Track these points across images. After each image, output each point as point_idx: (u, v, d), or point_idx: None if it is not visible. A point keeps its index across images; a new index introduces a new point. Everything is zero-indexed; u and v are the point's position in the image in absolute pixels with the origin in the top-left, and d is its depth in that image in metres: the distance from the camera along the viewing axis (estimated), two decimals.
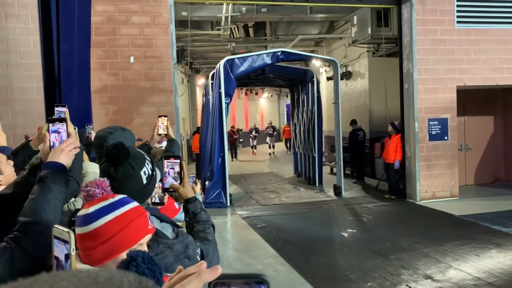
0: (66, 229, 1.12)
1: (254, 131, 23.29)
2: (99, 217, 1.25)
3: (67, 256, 1.10)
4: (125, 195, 1.36)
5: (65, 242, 1.11)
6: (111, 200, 1.29)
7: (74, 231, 1.44)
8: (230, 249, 6.67)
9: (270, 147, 22.81)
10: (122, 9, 7.64)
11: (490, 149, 11.17)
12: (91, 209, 1.26)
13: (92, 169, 2.25)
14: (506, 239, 6.53)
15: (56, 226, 1.17)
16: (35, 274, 0.50)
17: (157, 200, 2.14)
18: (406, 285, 4.97)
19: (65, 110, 2.22)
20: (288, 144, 22.64)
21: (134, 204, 1.34)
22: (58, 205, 1.52)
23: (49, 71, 4.47)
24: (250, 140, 23.45)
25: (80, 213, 1.28)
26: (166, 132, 3.07)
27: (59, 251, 1.12)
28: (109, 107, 7.66)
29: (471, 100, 10.57)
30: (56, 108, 2.24)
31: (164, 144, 3.26)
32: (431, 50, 9.24)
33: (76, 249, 1.14)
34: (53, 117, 2.10)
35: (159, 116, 3.10)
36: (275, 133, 23.56)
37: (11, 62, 7.02)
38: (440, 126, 9.41)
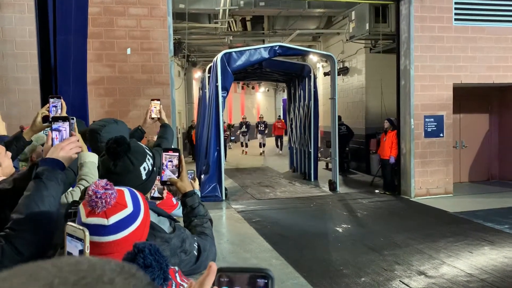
0: (80, 227, 1.11)
1: (244, 126, 19.77)
2: (120, 230, 1.24)
3: (81, 252, 1.09)
4: (132, 191, 1.35)
5: (79, 240, 1.10)
6: (128, 211, 1.28)
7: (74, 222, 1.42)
8: (225, 242, 6.68)
9: (260, 146, 19.53)
10: (119, 0, 7.58)
11: (485, 147, 11.23)
12: (111, 220, 1.23)
13: (90, 159, 2.24)
14: (499, 236, 6.58)
15: (69, 223, 1.15)
16: None
17: (157, 194, 2.12)
18: (400, 280, 5.00)
19: (60, 101, 2.19)
20: (278, 142, 19.74)
21: (143, 207, 1.34)
22: (53, 203, 1.49)
23: (45, 61, 4.42)
24: (241, 136, 19.89)
25: (95, 221, 1.23)
26: (159, 116, 3.02)
27: (72, 247, 1.12)
28: (105, 99, 7.62)
29: (467, 97, 10.60)
30: (50, 99, 2.21)
31: None
32: (428, 47, 9.25)
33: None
34: (53, 114, 2.09)
35: (152, 100, 3.05)
36: (266, 130, 19.93)
37: (7, 52, 6.96)
38: (436, 123, 9.45)
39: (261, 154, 19.09)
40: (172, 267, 1.28)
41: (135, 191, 1.38)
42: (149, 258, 1.03)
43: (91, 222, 1.22)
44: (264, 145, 19.49)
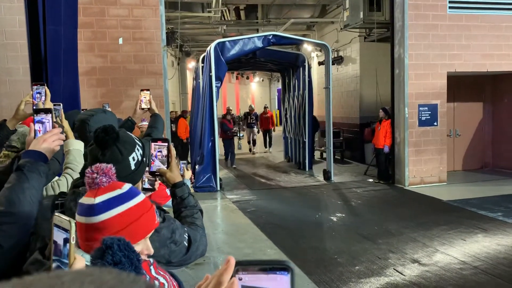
0: (67, 218, 1.09)
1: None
2: (107, 209, 1.17)
3: (66, 240, 1.07)
4: (132, 185, 1.29)
5: (65, 230, 1.08)
6: (119, 192, 1.21)
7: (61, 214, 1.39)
8: (220, 233, 6.69)
9: (249, 143, 16.40)
10: None
11: (479, 135, 11.27)
12: (98, 199, 1.17)
13: (75, 146, 2.21)
14: (492, 224, 6.63)
15: (57, 214, 1.13)
16: (5, 265, 0.47)
17: (148, 186, 2.09)
18: (394, 268, 5.03)
19: (44, 88, 2.15)
20: (267, 138, 16.51)
21: (142, 196, 1.27)
22: (35, 195, 1.47)
23: (35, 52, 4.36)
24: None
25: (84, 201, 1.19)
26: (149, 106, 3.01)
27: (58, 236, 1.10)
28: (97, 89, 7.55)
29: (461, 86, 10.61)
30: (34, 87, 2.16)
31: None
32: (422, 35, 9.22)
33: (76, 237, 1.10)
34: (37, 101, 2.05)
35: (141, 90, 3.04)
36: (258, 125, 16.53)
37: None
38: (430, 112, 9.46)
39: (250, 151, 16.36)
40: (146, 260, 1.24)
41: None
42: (118, 254, 0.98)
43: (82, 201, 1.19)
44: (254, 142, 16.48)
